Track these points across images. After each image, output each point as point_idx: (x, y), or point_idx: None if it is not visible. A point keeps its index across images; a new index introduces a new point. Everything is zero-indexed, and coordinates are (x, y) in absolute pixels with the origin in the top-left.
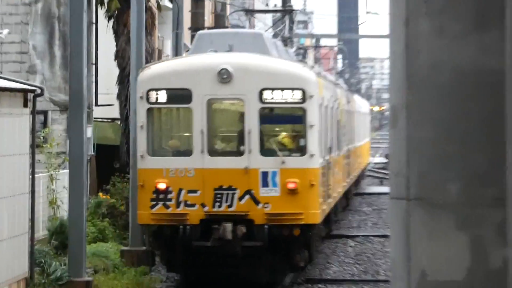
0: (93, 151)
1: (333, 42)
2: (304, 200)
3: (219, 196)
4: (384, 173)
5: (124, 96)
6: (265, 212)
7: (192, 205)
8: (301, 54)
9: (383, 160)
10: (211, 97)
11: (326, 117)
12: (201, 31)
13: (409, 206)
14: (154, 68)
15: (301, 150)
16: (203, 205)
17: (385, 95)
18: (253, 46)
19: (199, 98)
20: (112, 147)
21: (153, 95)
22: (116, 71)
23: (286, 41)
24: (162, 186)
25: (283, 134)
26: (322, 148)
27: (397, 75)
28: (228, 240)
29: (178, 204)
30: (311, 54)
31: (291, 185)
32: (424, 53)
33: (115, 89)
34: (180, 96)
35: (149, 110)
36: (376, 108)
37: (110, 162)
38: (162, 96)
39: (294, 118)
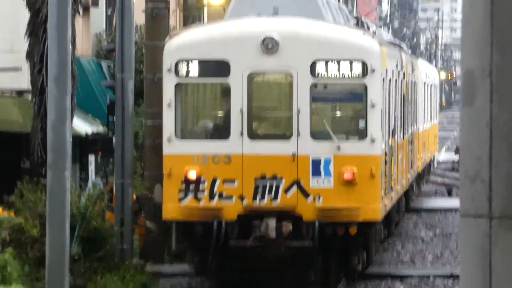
0: None
1: None
2: (363, 193)
3: (261, 187)
4: (454, 178)
5: (39, 55)
6: (316, 206)
7: (229, 198)
8: None
9: (452, 157)
10: (253, 70)
11: (390, 93)
12: None
13: (492, 229)
14: (185, 35)
15: (361, 134)
16: (241, 198)
17: (457, 55)
18: (303, 8)
19: (239, 71)
20: (18, 136)
21: (183, 67)
22: (25, 15)
23: None
24: (193, 175)
25: (339, 114)
26: (385, 131)
27: (476, 23)
28: (271, 240)
29: (211, 197)
30: None
31: (347, 175)
32: None
33: (23, 44)
34: (216, 68)
35: (178, 85)
36: (443, 76)
37: (15, 160)
38: (194, 69)
39: (352, 95)
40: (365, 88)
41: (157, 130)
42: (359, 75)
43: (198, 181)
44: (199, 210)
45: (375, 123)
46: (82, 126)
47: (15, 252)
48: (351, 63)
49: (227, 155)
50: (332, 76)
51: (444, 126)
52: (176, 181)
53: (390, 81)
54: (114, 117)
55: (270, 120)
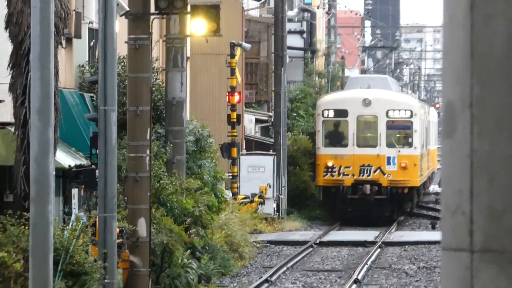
0: None
1: (358, 1)
2: (410, 172)
3: (362, 170)
4: (438, 210)
5: (21, 87)
6: (388, 179)
7: (347, 175)
8: (306, 20)
9: (435, 189)
10: (359, 114)
11: (421, 125)
12: (352, 76)
13: (473, 262)
14: (326, 97)
15: (410, 144)
16: (353, 175)
17: (440, 86)
18: (382, 84)
19: (352, 115)
20: (0, 170)
21: (326, 112)
22: (8, 47)
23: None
24: (330, 164)
25: (399, 135)
26: (420, 144)
27: (456, 55)
28: (367, 194)
29: (339, 174)
30: (320, 20)
31: (403, 164)
32: (499, 18)
33: (6, 76)
34: (341, 113)
35: (323, 121)
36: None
37: None
38: (331, 113)
39: (406, 126)
40: (412, 123)
41: (140, 163)
42: (409, 116)
43: (332, 167)
44: (333, 180)
45: (417, 140)
46: (65, 158)
47: None
48: (405, 111)
49: (346, 154)
50: (396, 117)
51: None
52: (322, 167)
53: (421, 119)
54: (97, 150)
55: (367, 138)
